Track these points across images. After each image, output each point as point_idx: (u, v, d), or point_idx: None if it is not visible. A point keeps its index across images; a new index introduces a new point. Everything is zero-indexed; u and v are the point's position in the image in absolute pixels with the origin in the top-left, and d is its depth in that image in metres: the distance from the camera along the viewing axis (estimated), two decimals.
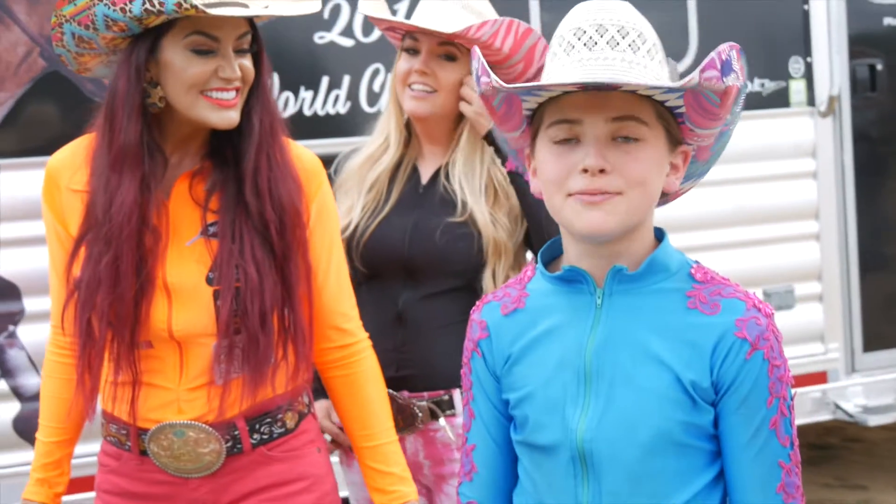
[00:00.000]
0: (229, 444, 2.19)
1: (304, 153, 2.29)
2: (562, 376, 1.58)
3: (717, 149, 1.66)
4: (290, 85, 3.71)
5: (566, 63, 1.54)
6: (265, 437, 2.22)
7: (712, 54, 1.47)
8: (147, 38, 2.09)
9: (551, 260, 1.67)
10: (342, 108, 3.77)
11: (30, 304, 3.50)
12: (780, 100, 4.32)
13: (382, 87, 3.79)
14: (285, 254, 2.16)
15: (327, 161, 3.56)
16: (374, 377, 2.30)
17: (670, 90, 1.49)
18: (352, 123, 3.75)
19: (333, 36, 3.74)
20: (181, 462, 2.18)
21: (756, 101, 4.25)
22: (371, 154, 2.61)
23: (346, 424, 2.31)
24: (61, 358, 2.26)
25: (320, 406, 2.48)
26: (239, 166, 2.15)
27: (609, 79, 1.48)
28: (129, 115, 2.10)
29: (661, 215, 1.72)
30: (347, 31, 3.77)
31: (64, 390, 2.24)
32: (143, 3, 2.02)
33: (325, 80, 3.74)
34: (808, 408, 4.33)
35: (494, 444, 1.70)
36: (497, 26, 2.42)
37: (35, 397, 3.40)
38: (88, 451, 2.56)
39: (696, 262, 1.64)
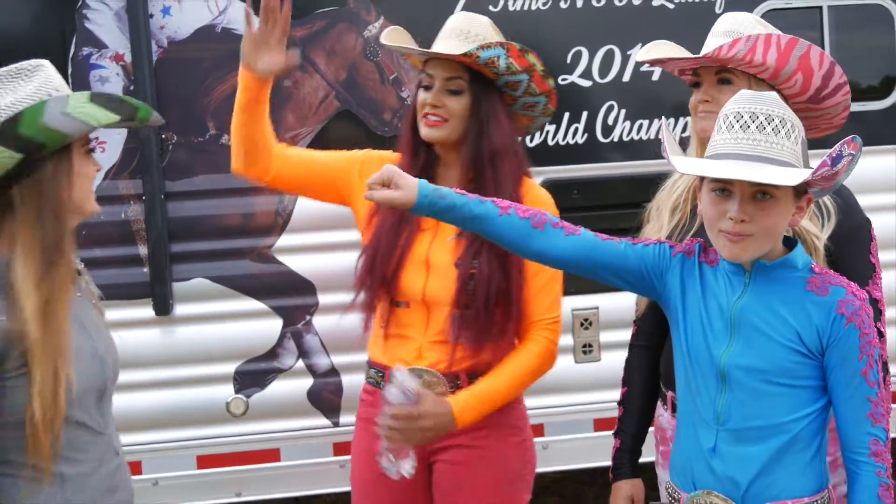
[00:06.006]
0: (453, 390, 2.69)
1: (539, 190, 2.82)
2: (715, 321, 2.14)
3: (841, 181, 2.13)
4: None
5: (727, 139, 2.08)
6: None
7: (825, 157, 1.99)
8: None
9: None
10: (580, 139, 4.08)
11: (323, 298, 3.99)
12: None
13: (615, 120, 4.10)
14: (505, 257, 2.67)
15: (564, 183, 4.04)
16: (526, 360, 2.72)
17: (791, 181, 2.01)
18: (589, 152, 4.10)
19: (574, 77, 4.06)
20: None
21: None
22: (673, 182, 2.71)
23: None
24: None
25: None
26: (478, 181, 2.71)
27: (749, 177, 1.99)
28: (409, 119, 2.82)
29: None
30: (586, 74, 4.07)
31: None
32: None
33: (566, 116, 4.06)
34: None
35: (611, 249, 2.28)
36: (752, 42, 2.40)
37: (325, 374, 4.02)
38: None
39: (816, 262, 2.19)
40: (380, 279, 2.71)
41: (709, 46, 2.56)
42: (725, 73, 2.50)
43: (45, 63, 2.17)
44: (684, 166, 2.14)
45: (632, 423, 2.74)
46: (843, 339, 2.08)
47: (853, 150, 2.01)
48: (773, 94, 2.12)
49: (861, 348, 2.08)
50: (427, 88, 2.74)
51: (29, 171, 2.09)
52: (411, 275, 2.71)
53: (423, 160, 2.77)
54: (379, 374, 2.78)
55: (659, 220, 2.68)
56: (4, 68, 2.15)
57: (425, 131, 2.73)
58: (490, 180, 2.70)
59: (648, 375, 2.74)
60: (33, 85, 2.12)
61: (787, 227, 2.16)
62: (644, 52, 2.71)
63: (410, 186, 2.21)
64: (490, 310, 2.67)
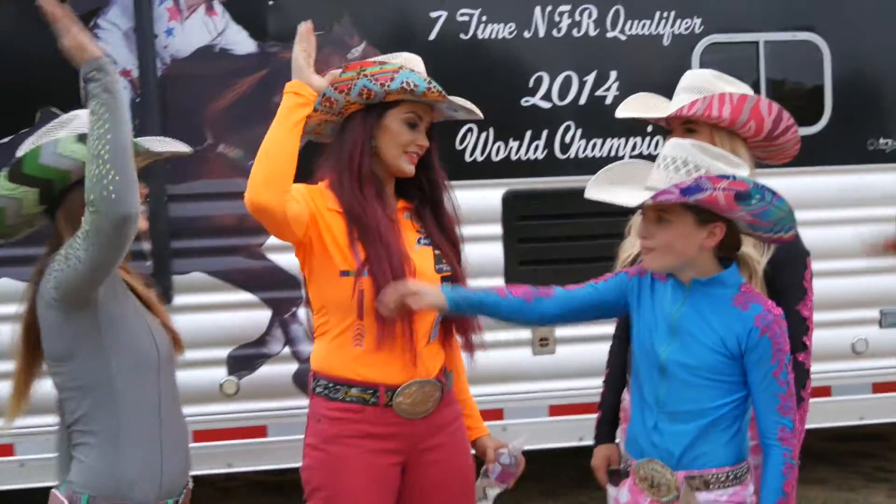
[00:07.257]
0: (441, 392, 2.82)
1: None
2: (660, 325, 2.58)
3: (775, 220, 2.51)
4: (502, 137, 4.43)
5: (652, 175, 2.51)
6: (448, 386, 2.87)
7: (671, 185, 2.39)
8: (379, 108, 2.76)
9: None
10: (540, 154, 4.46)
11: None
12: None
13: (572, 138, 4.48)
14: (457, 256, 2.89)
15: (525, 194, 4.47)
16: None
17: (659, 199, 2.41)
18: (548, 167, 4.49)
19: (535, 100, 4.45)
20: (416, 408, 2.76)
21: (883, 157, 4.73)
22: None
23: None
24: None
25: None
26: (433, 201, 2.89)
27: (603, 198, 2.49)
28: (363, 154, 2.76)
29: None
30: (546, 96, 4.45)
31: None
32: (401, 83, 2.70)
33: (528, 134, 4.46)
34: None
35: (582, 295, 2.68)
36: (708, 101, 2.78)
37: (309, 360, 4.32)
38: None
39: (745, 282, 2.59)
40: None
41: (675, 102, 2.90)
42: (691, 125, 2.86)
43: (81, 113, 2.45)
44: (588, 189, 2.61)
45: (611, 398, 3.14)
46: (758, 346, 2.48)
47: (714, 185, 2.38)
48: (688, 142, 2.53)
49: (773, 354, 2.47)
50: (413, 127, 2.79)
51: (62, 200, 2.41)
52: None
53: (375, 187, 2.78)
54: (368, 391, 2.74)
55: (634, 236, 2.98)
56: (58, 119, 2.47)
57: (410, 167, 2.80)
58: (443, 202, 2.90)
59: (625, 361, 3.05)
60: (65, 131, 2.41)
61: (702, 247, 2.53)
62: (621, 110, 3.03)
63: (437, 292, 2.64)
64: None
